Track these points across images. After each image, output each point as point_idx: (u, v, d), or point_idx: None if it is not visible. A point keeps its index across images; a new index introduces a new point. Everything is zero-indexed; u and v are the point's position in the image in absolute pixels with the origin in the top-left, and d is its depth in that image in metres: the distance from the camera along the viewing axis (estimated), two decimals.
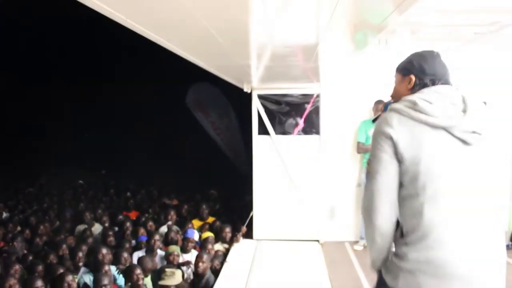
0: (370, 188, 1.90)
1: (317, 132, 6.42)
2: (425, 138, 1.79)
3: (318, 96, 6.38)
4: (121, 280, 4.69)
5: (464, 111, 1.81)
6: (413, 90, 1.97)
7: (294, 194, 6.41)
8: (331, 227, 6.42)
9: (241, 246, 6.15)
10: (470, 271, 1.75)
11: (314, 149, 6.41)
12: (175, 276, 4.53)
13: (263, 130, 6.47)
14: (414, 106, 1.83)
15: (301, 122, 6.43)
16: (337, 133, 6.35)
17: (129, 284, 4.37)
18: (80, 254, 4.97)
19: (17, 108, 14.39)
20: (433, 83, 1.93)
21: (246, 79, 6.08)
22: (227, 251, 5.89)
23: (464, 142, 1.78)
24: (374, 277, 2.10)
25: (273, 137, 6.44)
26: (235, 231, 6.25)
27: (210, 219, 6.73)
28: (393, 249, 1.94)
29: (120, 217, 6.94)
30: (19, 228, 6.71)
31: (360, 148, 6.00)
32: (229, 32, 2.96)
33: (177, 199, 8.48)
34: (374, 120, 2.58)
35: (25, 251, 5.59)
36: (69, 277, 4.10)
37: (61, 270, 4.48)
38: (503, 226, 1.86)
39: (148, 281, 4.72)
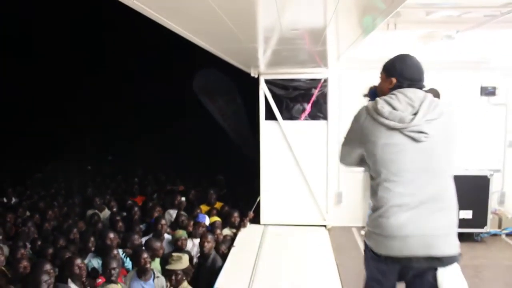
0: (341, 148, 2.61)
1: (325, 118, 6.38)
2: (381, 135, 2.29)
3: (325, 81, 6.32)
4: (128, 263, 4.74)
5: (415, 114, 2.24)
6: (393, 89, 2.41)
7: (301, 179, 6.41)
8: (338, 212, 6.43)
9: (248, 231, 6.18)
10: (403, 234, 2.26)
11: (321, 135, 6.38)
12: (182, 261, 4.55)
13: (270, 116, 6.44)
14: (376, 109, 2.32)
15: (308, 107, 6.39)
16: (345, 118, 6.29)
17: (136, 268, 4.40)
18: (92, 238, 5.03)
19: (25, 96, 14.45)
20: (409, 86, 2.36)
21: (253, 64, 6.03)
22: (234, 235, 5.92)
23: (413, 139, 2.25)
24: None
25: (280, 123, 6.41)
26: (242, 216, 6.28)
27: (218, 204, 6.75)
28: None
29: (129, 202, 6.99)
30: (28, 213, 6.78)
31: None
32: (237, 14, 2.92)
33: (184, 185, 8.50)
34: (365, 95, 2.80)
35: (36, 236, 5.66)
36: (78, 260, 4.15)
37: (69, 254, 4.53)
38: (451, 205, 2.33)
39: (157, 264, 4.76)
